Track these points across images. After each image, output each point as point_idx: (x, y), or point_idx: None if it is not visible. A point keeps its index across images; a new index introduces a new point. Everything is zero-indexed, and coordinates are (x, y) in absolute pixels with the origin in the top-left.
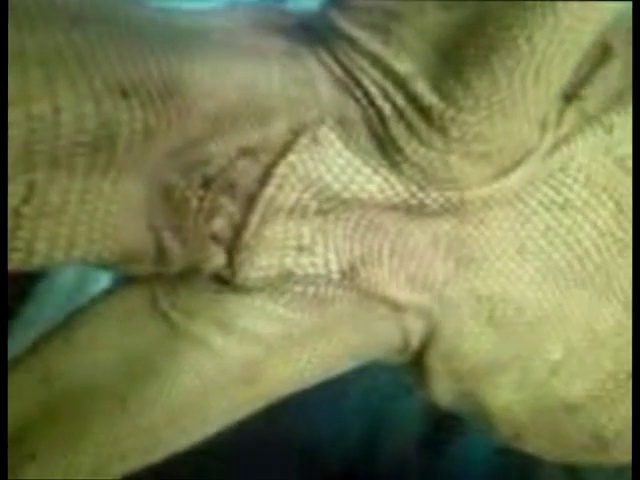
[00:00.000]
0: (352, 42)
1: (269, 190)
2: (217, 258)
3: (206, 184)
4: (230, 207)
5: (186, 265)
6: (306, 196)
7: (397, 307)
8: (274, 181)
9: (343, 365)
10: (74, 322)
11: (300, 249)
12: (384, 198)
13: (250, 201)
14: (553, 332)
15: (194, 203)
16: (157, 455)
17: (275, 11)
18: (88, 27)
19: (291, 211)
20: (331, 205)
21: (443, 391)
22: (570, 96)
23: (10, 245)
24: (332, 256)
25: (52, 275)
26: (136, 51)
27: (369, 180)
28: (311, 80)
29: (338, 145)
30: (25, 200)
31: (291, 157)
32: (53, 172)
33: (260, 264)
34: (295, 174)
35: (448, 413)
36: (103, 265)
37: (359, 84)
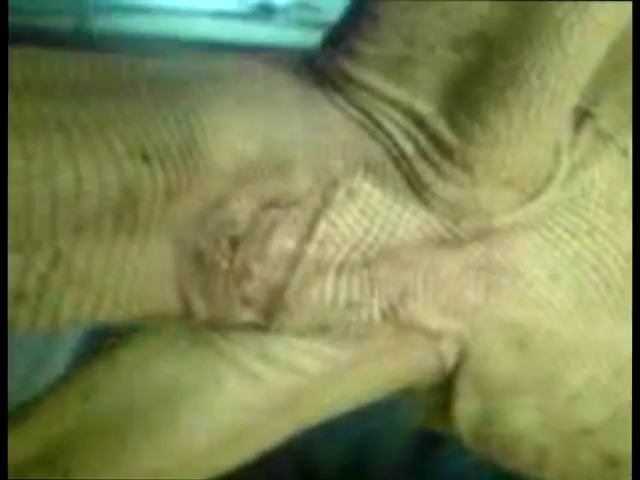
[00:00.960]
0: (366, 87)
1: (311, 249)
2: (246, 317)
3: (234, 245)
4: (263, 269)
5: (211, 321)
6: (354, 254)
7: (432, 335)
8: (316, 239)
9: (382, 392)
10: (118, 346)
11: (350, 305)
12: (423, 236)
13: (289, 261)
14: (578, 360)
15: (224, 266)
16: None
17: (282, 52)
18: (101, 93)
19: (339, 269)
20: (376, 254)
21: (468, 413)
22: (583, 115)
23: (37, 309)
24: (376, 302)
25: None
26: (153, 111)
27: (409, 222)
28: (329, 125)
29: (377, 194)
30: (53, 265)
31: (330, 214)
32: (78, 238)
33: (300, 322)
34: (337, 231)
35: None
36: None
37: (379, 126)
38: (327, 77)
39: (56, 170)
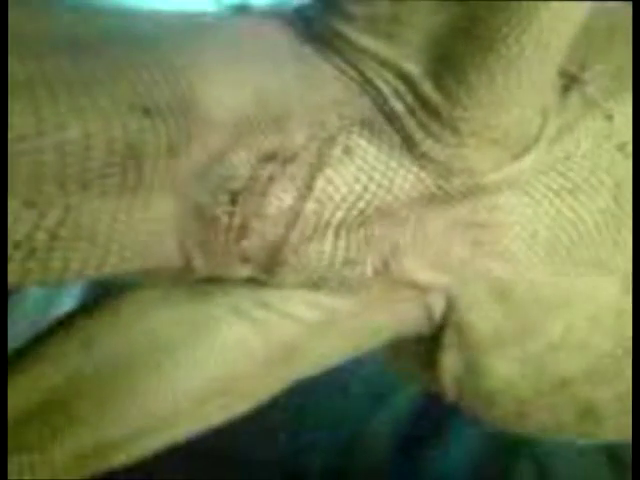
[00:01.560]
0: (356, 45)
1: (309, 206)
2: (245, 274)
3: (234, 199)
4: (262, 225)
5: (210, 276)
6: (353, 212)
7: (421, 289)
8: (313, 196)
9: (372, 343)
10: (118, 299)
11: (346, 263)
12: (417, 193)
13: (288, 217)
14: (556, 311)
15: (224, 221)
16: (193, 428)
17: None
18: (100, 51)
19: (338, 228)
20: (374, 212)
21: (452, 364)
22: (571, 80)
23: (46, 264)
24: (370, 258)
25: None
26: (153, 68)
27: (405, 179)
28: (323, 82)
29: (372, 151)
30: (61, 222)
31: (328, 172)
32: (85, 194)
33: (298, 278)
34: (335, 189)
35: (424, 419)
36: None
37: (370, 83)
38: (318, 33)
39: (65, 126)
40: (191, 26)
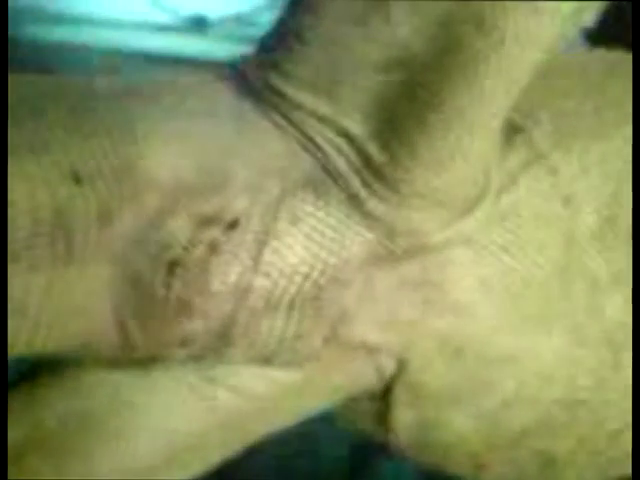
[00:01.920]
0: (298, 104)
1: (258, 282)
2: (184, 356)
3: (171, 270)
4: (205, 303)
5: (151, 356)
6: (307, 284)
7: (371, 350)
8: (262, 270)
9: (325, 403)
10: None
11: (298, 337)
12: (364, 254)
13: (235, 294)
14: (507, 368)
15: (161, 293)
16: None
17: (214, 66)
18: (40, 114)
19: (291, 303)
20: (325, 281)
21: (404, 421)
22: (516, 129)
23: None
24: (322, 329)
25: None
26: (88, 132)
27: (353, 240)
28: (263, 140)
29: (320, 215)
30: None
31: (274, 243)
32: (14, 267)
33: (247, 355)
34: (285, 262)
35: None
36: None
37: (312, 141)
38: (256, 89)
39: None
40: (131, 89)
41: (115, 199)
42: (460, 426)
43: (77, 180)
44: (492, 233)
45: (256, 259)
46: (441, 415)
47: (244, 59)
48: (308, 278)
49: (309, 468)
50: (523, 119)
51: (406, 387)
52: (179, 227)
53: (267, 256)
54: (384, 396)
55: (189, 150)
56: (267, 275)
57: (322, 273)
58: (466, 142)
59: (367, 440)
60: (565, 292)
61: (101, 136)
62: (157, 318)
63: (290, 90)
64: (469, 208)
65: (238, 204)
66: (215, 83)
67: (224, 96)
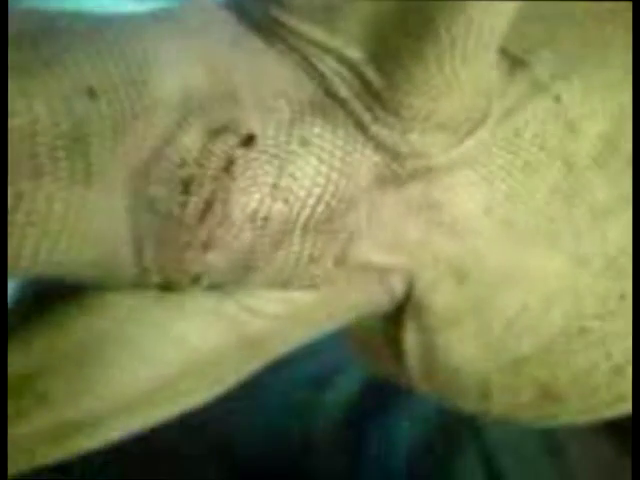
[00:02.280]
0: (299, 33)
1: (277, 208)
2: (204, 283)
3: (186, 188)
4: (225, 234)
5: (168, 283)
6: (320, 206)
7: (381, 270)
8: (281, 196)
9: (339, 323)
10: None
11: (312, 260)
12: (372, 176)
13: (255, 223)
14: (510, 288)
15: (176, 212)
16: (168, 410)
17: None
18: (58, 37)
19: (305, 226)
20: (336, 204)
21: (414, 344)
22: (517, 63)
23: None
24: (331, 250)
25: None
26: (102, 47)
27: (361, 162)
28: (269, 65)
29: (328, 137)
30: (14, 208)
31: (289, 168)
32: (39, 180)
33: (264, 280)
34: (299, 185)
35: (369, 399)
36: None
37: (315, 68)
38: (257, 21)
39: (12, 113)
40: (141, 16)
41: (128, 115)
42: (466, 348)
43: (92, 95)
44: (495, 156)
45: (274, 185)
46: (448, 339)
47: None
48: (321, 200)
49: (302, 435)
50: (524, 54)
51: (413, 309)
52: (192, 141)
53: (284, 180)
54: (395, 319)
55: (199, 68)
56: (285, 201)
57: (333, 195)
58: (461, 72)
59: (357, 417)
60: (567, 215)
61: (113, 53)
62: (172, 240)
63: (288, 19)
64: (470, 132)
65: (251, 119)
66: (218, 11)
67: (230, 25)
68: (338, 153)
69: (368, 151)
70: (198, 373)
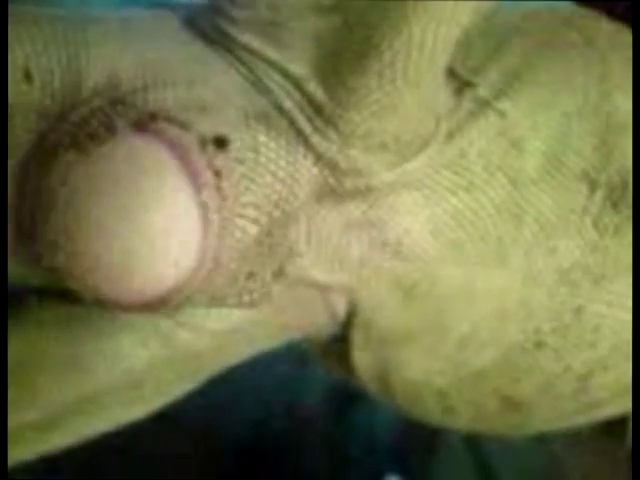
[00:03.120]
0: (246, 47)
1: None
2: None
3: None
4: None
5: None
6: (263, 218)
7: (322, 288)
8: (226, 205)
9: (277, 341)
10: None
11: (250, 276)
12: (310, 189)
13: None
14: (460, 307)
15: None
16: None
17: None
18: (18, 20)
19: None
20: (276, 213)
21: (367, 363)
22: (464, 84)
23: None
24: (269, 266)
25: None
26: (39, 32)
27: (301, 174)
28: (213, 73)
29: (272, 146)
30: None
31: (240, 169)
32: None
33: (203, 297)
34: (244, 196)
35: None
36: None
37: (261, 81)
38: (205, 32)
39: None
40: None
41: (57, 95)
42: (422, 366)
43: (27, 76)
44: (440, 176)
45: (220, 189)
46: (399, 356)
47: (194, 6)
48: (263, 212)
49: (285, 419)
50: (471, 74)
51: (360, 328)
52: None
53: (228, 190)
54: (343, 338)
55: (132, 60)
56: (229, 210)
57: (276, 205)
58: (403, 88)
59: (342, 390)
60: (515, 233)
61: (57, 41)
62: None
63: (237, 33)
64: (415, 152)
65: (201, 122)
66: (169, 21)
67: (179, 31)
68: (282, 163)
69: (308, 162)
70: (132, 386)
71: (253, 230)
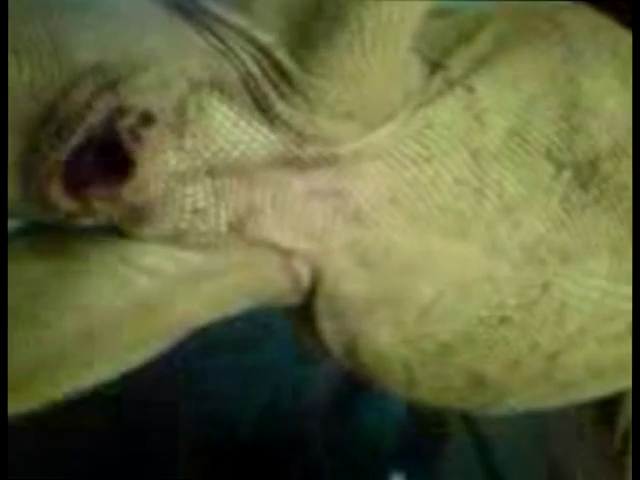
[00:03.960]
0: (216, 16)
1: (147, 154)
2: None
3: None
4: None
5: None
6: (197, 162)
7: (284, 253)
8: (161, 147)
9: (238, 305)
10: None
11: (195, 212)
12: (267, 154)
13: (143, 160)
14: (422, 277)
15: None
16: (80, 374)
17: None
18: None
19: (183, 175)
20: (221, 166)
21: (333, 332)
22: (435, 66)
23: None
24: (223, 212)
25: None
26: (28, 11)
27: (253, 138)
28: (186, 46)
29: (222, 109)
30: None
31: (178, 125)
32: None
33: (155, 230)
34: (184, 141)
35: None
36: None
37: (231, 50)
38: (183, 6)
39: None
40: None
41: (46, 72)
42: (385, 335)
43: (15, 52)
44: (403, 146)
45: (178, 146)
46: (363, 325)
47: None
48: (200, 156)
49: (289, 417)
50: (442, 57)
51: (325, 297)
52: (100, 112)
53: (168, 136)
54: (308, 307)
55: (114, 40)
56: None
57: (214, 154)
58: (371, 58)
59: (347, 388)
60: (476, 207)
61: (36, 18)
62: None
63: (210, 4)
64: (381, 122)
65: (150, 99)
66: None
67: (157, 9)
68: (227, 124)
69: (265, 129)
70: (102, 338)
71: (176, 164)
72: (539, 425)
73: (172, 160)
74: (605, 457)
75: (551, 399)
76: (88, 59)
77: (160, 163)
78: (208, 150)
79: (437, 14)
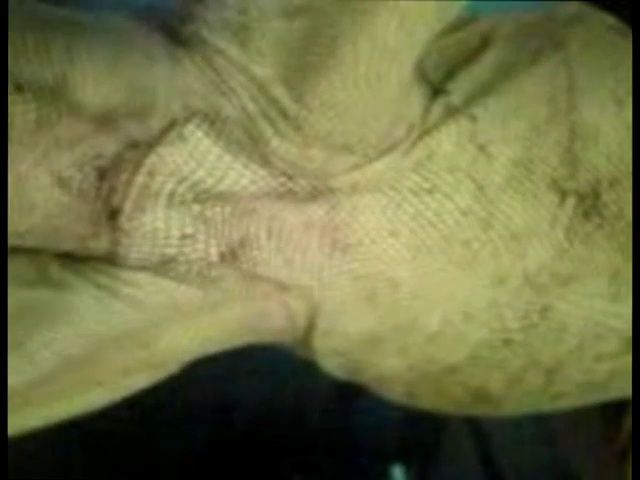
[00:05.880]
0: (217, 50)
1: (140, 178)
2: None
3: (101, 176)
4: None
5: (76, 247)
6: (181, 188)
7: (279, 287)
8: (144, 169)
9: (239, 339)
10: None
11: (183, 238)
12: (257, 189)
13: (123, 189)
14: (427, 307)
15: (92, 194)
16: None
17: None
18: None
19: (169, 200)
20: (207, 195)
21: (334, 367)
22: (436, 91)
23: None
24: (213, 241)
25: None
26: (32, 47)
27: (241, 174)
28: (186, 80)
29: (206, 142)
30: None
31: (160, 150)
32: None
33: (141, 249)
34: (165, 166)
35: None
36: None
37: (228, 84)
38: (184, 37)
39: None
40: (88, 23)
41: (53, 109)
42: (391, 364)
43: (19, 88)
44: (404, 178)
45: (142, 161)
46: (369, 358)
47: (171, 12)
48: (183, 182)
49: (290, 413)
50: (443, 82)
51: (324, 334)
52: (108, 143)
53: (151, 157)
54: (306, 343)
55: (120, 83)
56: (149, 174)
57: (197, 184)
58: (366, 90)
59: (348, 383)
60: (483, 237)
61: (42, 54)
62: (87, 212)
63: (208, 36)
64: (381, 154)
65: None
66: (152, 29)
67: (159, 40)
68: (211, 157)
69: (255, 166)
70: (83, 370)
71: (164, 189)
72: (539, 419)
73: (144, 177)
74: (609, 455)
75: (540, 407)
76: (95, 103)
77: (142, 184)
78: (189, 179)
79: (452, 28)
